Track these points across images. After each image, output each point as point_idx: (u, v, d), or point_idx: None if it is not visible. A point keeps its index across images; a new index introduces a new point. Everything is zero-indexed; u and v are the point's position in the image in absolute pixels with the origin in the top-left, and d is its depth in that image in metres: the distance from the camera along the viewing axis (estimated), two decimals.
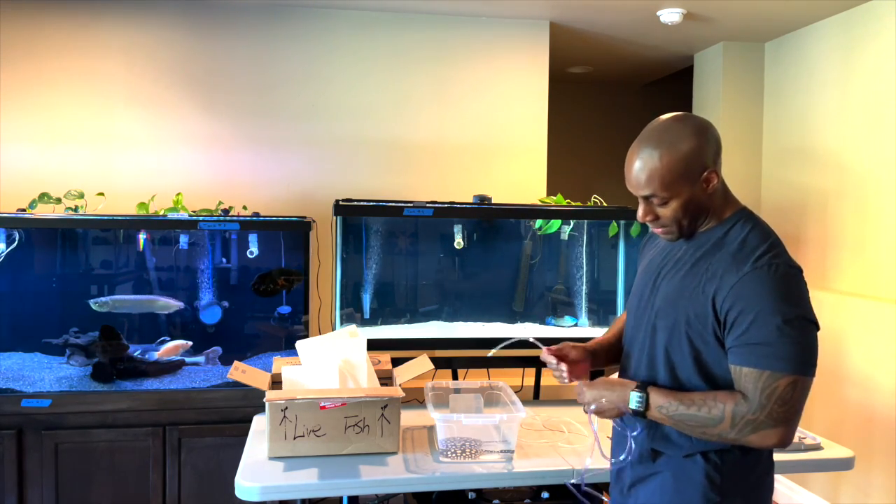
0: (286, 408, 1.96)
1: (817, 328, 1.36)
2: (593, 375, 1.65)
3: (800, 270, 1.38)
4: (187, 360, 2.86)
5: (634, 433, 1.49)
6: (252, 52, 3.32)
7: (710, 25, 3.59)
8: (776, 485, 3.47)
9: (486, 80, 3.51)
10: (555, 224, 2.91)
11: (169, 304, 2.83)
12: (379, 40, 3.42)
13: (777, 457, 2.06)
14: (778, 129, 3.82)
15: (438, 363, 2.54)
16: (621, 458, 1.53)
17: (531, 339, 1.75)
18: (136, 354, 2.82)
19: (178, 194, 2.95)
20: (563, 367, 1.59)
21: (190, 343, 2.87)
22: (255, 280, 2.88)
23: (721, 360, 1.40)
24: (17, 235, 2.75)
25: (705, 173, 1.41)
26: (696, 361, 1.42)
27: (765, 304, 1.32)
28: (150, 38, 3.24)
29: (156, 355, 2.83)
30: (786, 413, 1.32)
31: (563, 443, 2.16)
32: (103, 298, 2.77)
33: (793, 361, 1.31)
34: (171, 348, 2.84)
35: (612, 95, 5.16)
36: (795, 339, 1.31)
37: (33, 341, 2.78)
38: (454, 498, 2.32)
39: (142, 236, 2.86)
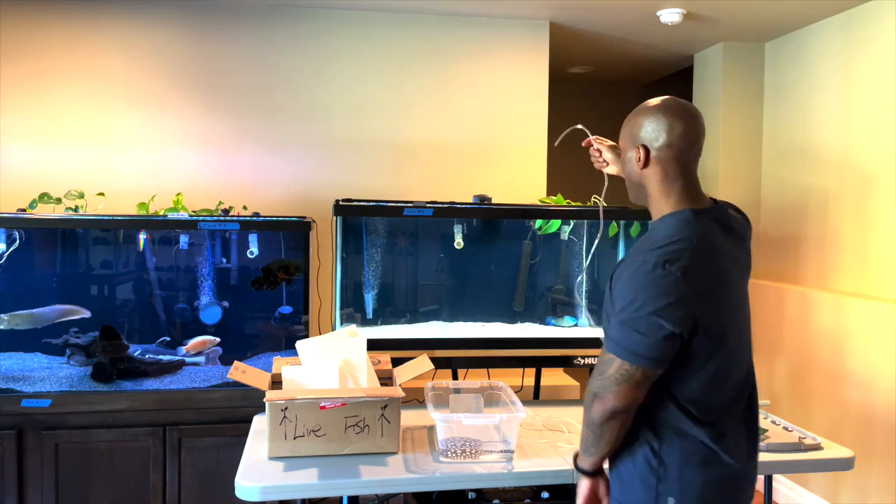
0: (286, 408, 1.96)
1: (668, 328, 1.35)
2: None
3: (677, 270, 1.35)
4: (187, 359, 2.86)
5: None
6: (252, 52, 3.32)
7: (710, 25, 3.58)
8: (776, 484, 3.49)
9: (486, 80, 3.51)
10: (555, 224, 2.91)
11: (77, 311, 2.77)
12: (379, 40, 3.42)
13: (777, 457, 2.07)
14: (778, 129, 3.82)
15: (438, 363, 2.54)
16: None
17: (579, 127, 2.05)
18: (157, 357, 2.82)
19: (178, 194, 2.95)
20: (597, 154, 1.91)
21: (217, 339, 2.87)
22: (259, 275, 2.88)
23: None
24: (17, 235, 2.75)
25: (636, 146, 1.50)
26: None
27: (624, 293, 1.39)
28: (151, 38, 3.24)
29: (183, 350, 2.84)
30: (601, 385, 1.42)
31: (563, 443, 2.15)
32: (4, 315, 2.70)
33: (617, 343, 1.39)
34: (198, 343, 2.84)
35: (612, 95, 5.16)
36: (629, 325, 1.37)
37: (33, 341, 2.78)
38: (454, 498, 2.32)
39: (142, 236, 2.86)
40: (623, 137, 1.55)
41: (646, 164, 1.49)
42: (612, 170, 1.91)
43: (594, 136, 1.94)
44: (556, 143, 2.32)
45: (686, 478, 1.43)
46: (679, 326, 1.36)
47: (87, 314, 2.78)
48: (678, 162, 1.47)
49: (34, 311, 2.75)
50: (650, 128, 1.47)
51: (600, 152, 1.92)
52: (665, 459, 1.44)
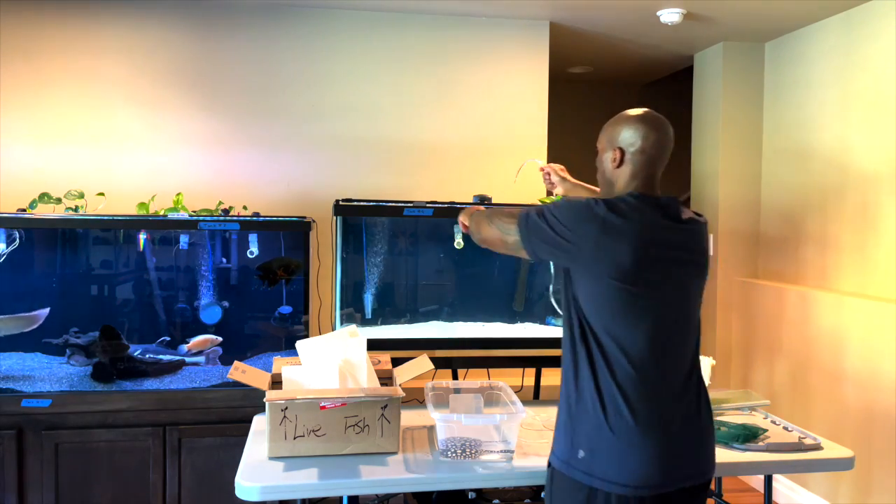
0: (286, 408, 1.96)
1: (565, 243, 1.60)
2: None
3: (592, 204, 1.60)
4: (187, 359, 2.86)
5: None
6: (252, 52, 3.32)
7: (710, 25, 3.59)
8: (776, 485, 3.49)
9: (486, 80, 3.51)
10: None
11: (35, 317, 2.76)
12: (379, 40, 3.42)
13: (777, 457, 2.07)
14: (778, 129, 3.82)
15: (438, 363, 2.54)
16: None
17: (536, 161, 2.44)
18: (157, 357, 2.81)
19: (178, 194, 2.95)
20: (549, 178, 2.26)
21: (220, 339, 2.86)
22: (260, 271, 2.89)
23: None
24: (17, 235, 2.75)
25: (613, 149, 1.70)
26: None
27: (562, 203, 1.67)
28: (150, 38, 3.24)
29: (185, 348, 2.84)
30: (491, 224, 1.80)
31: None
32: None
33: (528, 219, 1.67)
34: (200, 342, 2.83)
35: (612, 95, 5.16)
36: (546, 217, 1.63)
37: (33, 341, 2.78)
38: (454, 498, 2.32)
39: (142, 236, 2.86)
40: (602, 140, 1.75)
41: (620, 164, 1.69)
42: (559, 190, 2.26)
43: (547, 164, 2.32)
44: (514, 180, 2.68)
45: (591, 434, 1.59)
46: (569, 253, 1.62)
47: (45, 311, 2.76)
48: (646, 165, 1.68)
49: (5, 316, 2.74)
50: (628, 134, 1.68)
51: (549, 175, 2.27)
52: (582, 416, 1.61)
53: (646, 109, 1.72)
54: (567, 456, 1.63)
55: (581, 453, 1.59)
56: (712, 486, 2.49)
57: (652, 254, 1.59)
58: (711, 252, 3.97)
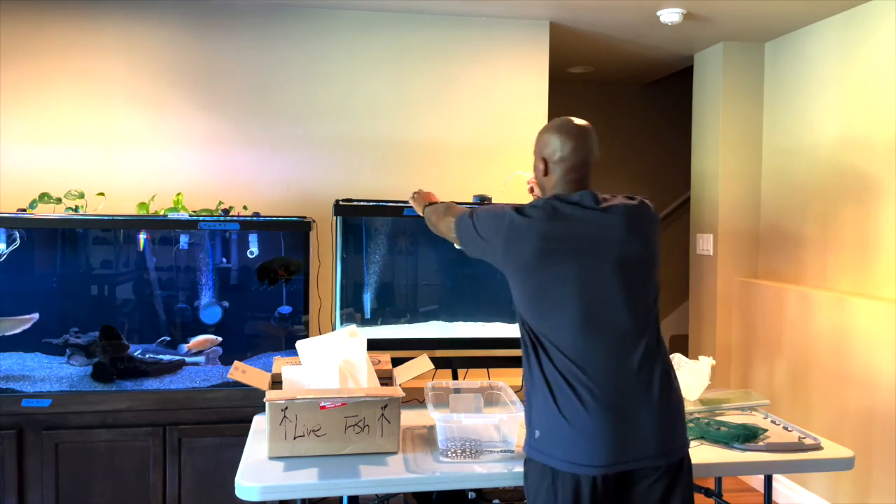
0: (286, 408, 1.96)
1: (482, 240, 1.81)
2: None
3: (505, 209, 1.76)
4: (187, 359, 2.86)
5: None
6: (252, 52, 3.32)
7: (710, 25, 3.59)
8: (776, 484, 3.49)
9: (486, 80, 3.51)
10: None
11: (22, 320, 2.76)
12: (379, 40, 3.42)
13: (777, 457, 2.07)
14: (777, 129, 3.82)
15: (438, 363, 2.54)
16: None
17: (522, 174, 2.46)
18: (157, 357, 2.82)
19: (178, 194, 2.95)
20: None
21: (220, 339, 2.87)
22: (259, 271, 2.89)
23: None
24: (17, 235, 2.75)
25: (539, 159, 1.83)
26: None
27: (490, 208, 1.86)
28: (151, 38, 3.24)
29: (185, 348, 2.84)
30: (446, 221, 2.01)
31: None
32: None
33: (463, 219, 1.89)
34: (200, 342, 2.83)
35: (612, 95, 5.16)
36: (477, 220, 1.83)
37: (33, 341, 2.78)
38: (454, 498, 2.32)
39: (142, 236, 2.86)
40: (534, 150, 1.86)
41: (546, 173, 1.82)
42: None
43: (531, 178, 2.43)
44: (502, 191, 2.72)
45: (542, 415, 1.69)
46: (488, 254, 1.81)
47: (35, 317, 2.76)
48: (569, 171, 1.79)
49: None
50: (548, 145, 1.80)
51: (532, 189, 2.35)
52: (535, 399, 1.72)
53: (565, 119, 1.82)
54: (529, 438, 1.73)
55: (537, 433, 1.69)
56: (711, 486, 2.48)
57: (554, 248, 1.69)
58: (711, 248, 3.97)
